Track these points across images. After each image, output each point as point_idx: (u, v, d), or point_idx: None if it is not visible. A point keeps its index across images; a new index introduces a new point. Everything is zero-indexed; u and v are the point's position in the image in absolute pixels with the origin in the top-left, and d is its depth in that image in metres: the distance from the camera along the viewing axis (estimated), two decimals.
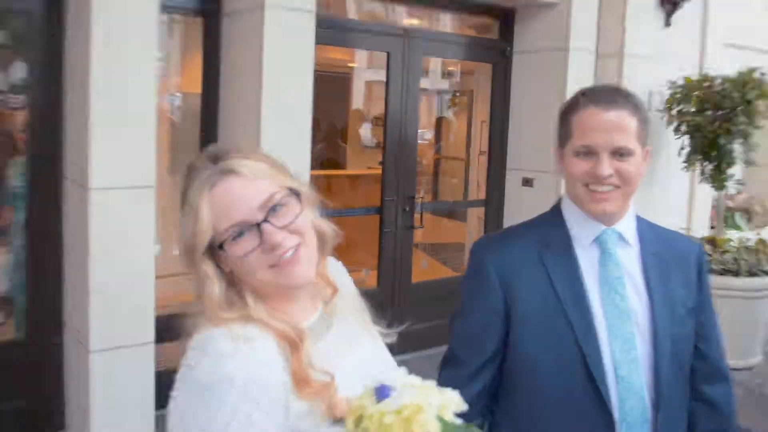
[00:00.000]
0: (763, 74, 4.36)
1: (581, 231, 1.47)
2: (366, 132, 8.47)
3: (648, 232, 1.52)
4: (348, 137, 8.45)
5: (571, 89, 4.53)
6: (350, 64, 8.69)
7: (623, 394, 1.39)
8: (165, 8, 3.21)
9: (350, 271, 1.32)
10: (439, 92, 8.38)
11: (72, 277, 3.13)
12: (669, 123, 4.54)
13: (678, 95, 4.26)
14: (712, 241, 4.71)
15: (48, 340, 3.19)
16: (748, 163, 4.14)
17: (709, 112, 4.04)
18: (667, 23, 4.71)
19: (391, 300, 4.51)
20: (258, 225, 1.05)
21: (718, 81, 4.20)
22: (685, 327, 1.47)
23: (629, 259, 1.47)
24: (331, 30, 3.99)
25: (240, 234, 1.05)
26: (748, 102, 3.99)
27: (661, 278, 1.46)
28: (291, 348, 1.05)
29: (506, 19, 4.85)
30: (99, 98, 2.80)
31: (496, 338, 1.46)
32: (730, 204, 5.68)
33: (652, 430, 1.40)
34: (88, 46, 2.77)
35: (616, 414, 1.38)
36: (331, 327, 1.17)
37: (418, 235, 4.93)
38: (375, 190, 4.66)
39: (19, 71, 3.11)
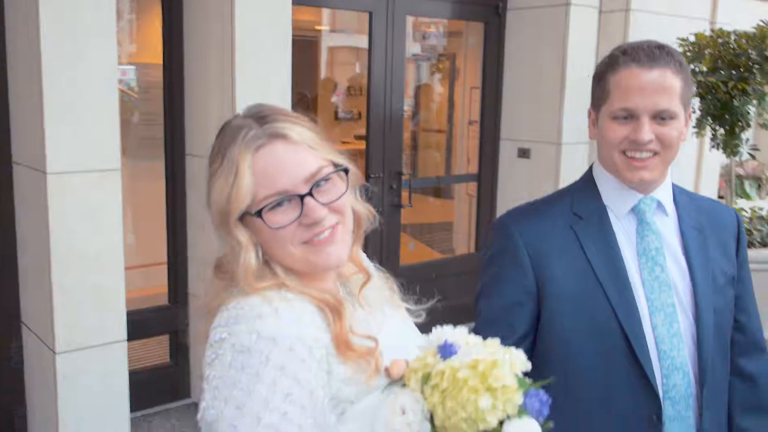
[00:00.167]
0: None
1: (617, 200, 1.52)
2: (340, 103, 8.45)
3: (685, 199, 1.58)
4: (318, 108, 8.41)
5: (572, 50, 4.62)
6: (317, 27, 8.61)
7: (666, 371, 1.45)
8: None
9: None
10: (416, 56, 8.35)
11: (30, 272, 3.11)
12: None
13: (689, 53, 4.27)
14: None
15: (5, 342, 3.19)
16: (766, 126, 4.19)
17: (722, 71, 4.06)
18: None
19: None
20: (301, 197, 1.08)
21: (733, 37, 4.21)
22: (726, 297, 1.55)
23: (667, 228, 1.52)
24: None
25: (279, 203, 1.08)
26: (767, 59, 4.00)
27: (701, 248, 1.53)
28: (332, 313, 1.08)
29: None
30: (52, 77, 2.79)
31: (527, 318, 1.51)
32: (740, 172, 5.82)
33: (696, 405, 1.47)
34: (37, 22, 2.74)
35: (660, 391, 1.44)
36: (356, 310, 1.21)
37: (403, 216, 4.97)
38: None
39: None
